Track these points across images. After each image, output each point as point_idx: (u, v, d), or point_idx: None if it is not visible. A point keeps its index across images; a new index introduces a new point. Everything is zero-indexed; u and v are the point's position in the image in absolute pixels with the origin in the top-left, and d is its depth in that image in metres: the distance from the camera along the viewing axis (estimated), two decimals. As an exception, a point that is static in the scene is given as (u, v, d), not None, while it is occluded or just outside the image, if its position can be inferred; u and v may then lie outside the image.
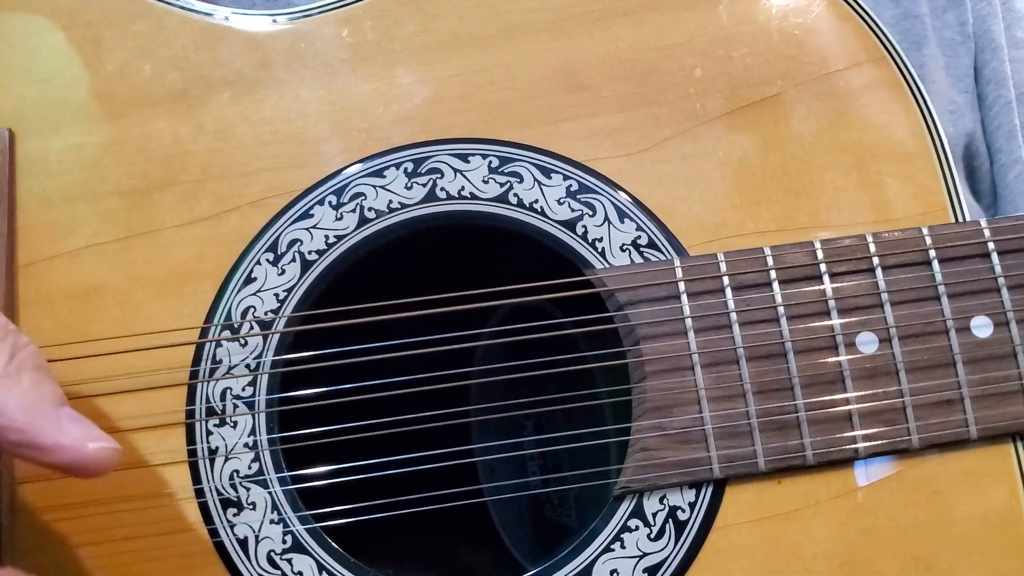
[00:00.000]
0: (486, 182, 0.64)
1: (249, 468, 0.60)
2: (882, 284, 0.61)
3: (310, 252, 0.63)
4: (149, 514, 0.58)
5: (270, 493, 0.60)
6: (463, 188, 0.64)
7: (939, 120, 0.65)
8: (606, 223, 0.63)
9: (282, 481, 0.60)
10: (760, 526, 0.59)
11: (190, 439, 0.60)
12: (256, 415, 0.60)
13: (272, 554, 0.59)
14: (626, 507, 0.60)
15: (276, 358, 0.61)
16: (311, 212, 0.63)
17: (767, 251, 0.62)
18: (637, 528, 0.59)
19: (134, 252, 0.62)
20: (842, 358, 0.60)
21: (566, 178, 0.64)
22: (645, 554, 0.59)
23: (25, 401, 0.47)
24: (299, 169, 0.64)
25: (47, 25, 0.65)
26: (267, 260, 0.62)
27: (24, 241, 0.62)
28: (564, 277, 0.62)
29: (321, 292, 0.62)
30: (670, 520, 0.59)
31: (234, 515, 0.59)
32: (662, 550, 0.59)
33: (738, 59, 0.66)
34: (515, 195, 0.64)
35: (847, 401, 0.60)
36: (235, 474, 0.60)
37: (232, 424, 0.60)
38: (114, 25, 0.66)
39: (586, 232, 0.63)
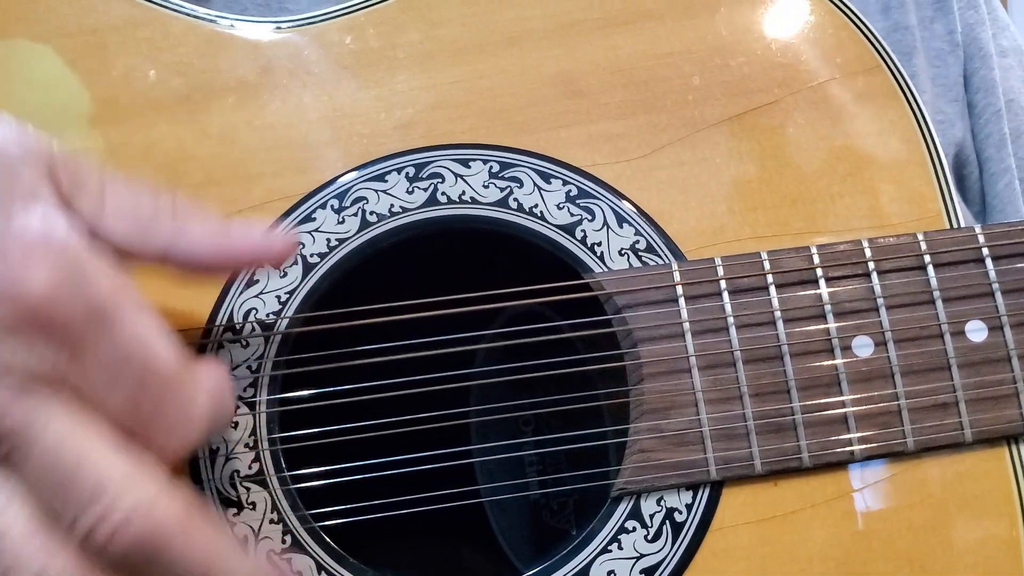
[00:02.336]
0: (486, 187, 0.65)
1: (249, 468, 0.60)
2: (878, 289, 0.62)
3: (312, 255, 0.63)
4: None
5: (270, 493, 0.60)
6: (464, 192, 0.64)
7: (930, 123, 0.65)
8: (605, 228, 0.64)
9: (282, 481, 0.60)
10: (757, 528, 0.60)
11: (191, 439, 0.60)
12: (257, 416, 0.61)
13: (271, 554, 0.59)
14: (623, 508, 0.60)
15: (277, 359, 0.62)
16: (313, 216, 0.64)
17: (764, 256, 0.62)
18: (634, 529, 0.60)
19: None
20: (838, 361, 0.61)
21: (565, 183, 0.65)
22: (642, 555, 0.60)
23: (205, 232, 0.53)
24: (301, 174, 0.65)
25: (51, 31, 0.66)
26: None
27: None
28: (563, 281, 0.63)
29: (322, 295, 0.63)
30: (667, 522, 0.60)
31: (234, 515, 0.60)
32: (659, 551, 0.60)
33: (736, 67, 0.67)
34: (515, 200, 0.64)
35: (843, 404, 0.60)
36: (235, 474, 0.60)
37: (233, 424, 0.61)
38: (118, 31, 0.67)
39: (585, 236, 0.64)
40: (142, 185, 0.52)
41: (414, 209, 0.64)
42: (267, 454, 0.60)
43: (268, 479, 0.60)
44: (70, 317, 0.45)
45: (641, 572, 0.59)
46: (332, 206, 0.64)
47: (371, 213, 0.64)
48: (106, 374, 0.46)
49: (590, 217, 0.64)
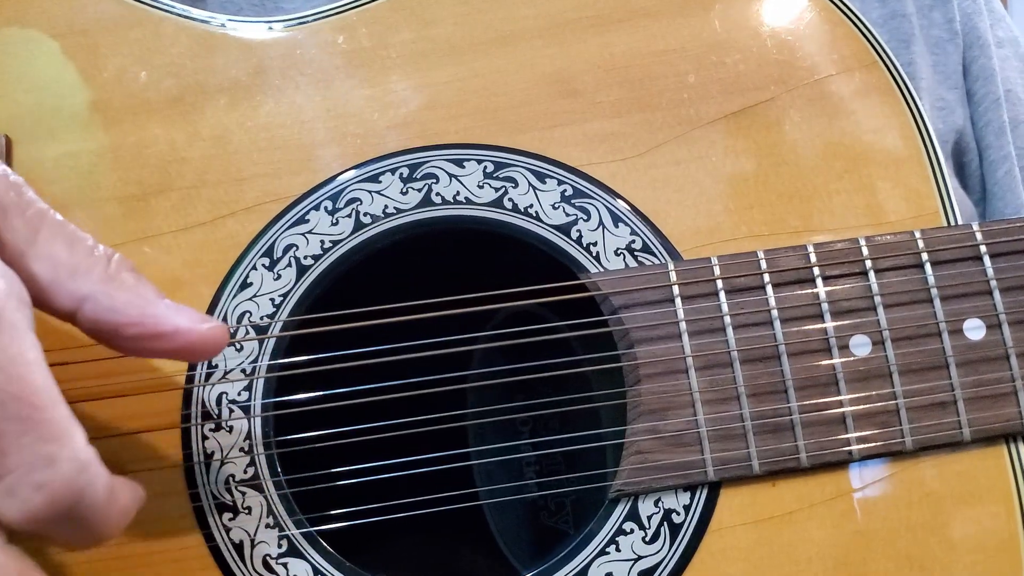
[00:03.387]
0: (481, 187, 0.64)
1: (245, 472, 0.60)
2: (875, 287, 0.61)
3: (306, 257, 0.63)
4: (144, 518, 0.58)
5: (266, 497, 0.60)
6: (458, 193, 0.64)
7: (928, 117, 0.65)
8: (600, 227, 0.64)
9: (278, 485, 0.60)
10: (755, 528, 0.60)
11: (186, 443, 0.60)
12: (252, 419, 0.61)
13: (267, 558, 0.59)
14: (621, 510, 0.60)
15: (272, 362, 0.61)
16: (307, 217, 0.64)
17: (760, 255, 0.62)
18: (632, 531, 0.60)
19: (130, 258, 0.62)
20: (835, 361, 0.61)
21: (560, 183, 0.64)
22: (640, 557, 0.59)
23: (134, 296, 0.49)
24: (295, 175, 0.64)
25: (43, 33, 0.66)
26: (263, 265, 0.63)
27: (20, 247, 0.62)
28: (559, 281, 0.62)
29: (317, 297, 0.63)
30: (665, 523, 0.60)
31: (229, 519, 0.59)
32: (657, 553, 0.59)
33: (731, 65, 0.66)
34: (510, 200, 0.64)
35: (841, 404, 0.60)
36: (231, 478, 0.60)
37: (228, 428, 0.60)
38: (110, 32, 0.66)
39: (581, 236, 0.63)
40: (84, 236, 0.50)
41: (408, 210, 0.64)
42: (262, 458, 0.60)
43: (264, 483, 0.60)
44: None
45: (639, 574, 0.59)
46: (326, 207, 0.64)
47: (365, 214, 0.64)
48: None
49: (586, 217, 0.64)
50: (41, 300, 0.49)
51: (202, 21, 0.67)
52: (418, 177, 0.64)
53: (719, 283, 0.61)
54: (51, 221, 0.49)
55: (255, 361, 0.61)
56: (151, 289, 0.51)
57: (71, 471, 0.43)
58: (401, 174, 0.64)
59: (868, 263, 0.62)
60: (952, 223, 0.64)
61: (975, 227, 0.62)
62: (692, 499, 0.60)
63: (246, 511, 0.59)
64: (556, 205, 0.64)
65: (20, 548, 0.46)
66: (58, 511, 0.44)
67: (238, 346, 0.61)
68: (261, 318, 0.62)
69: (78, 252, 0.49)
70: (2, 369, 0.43)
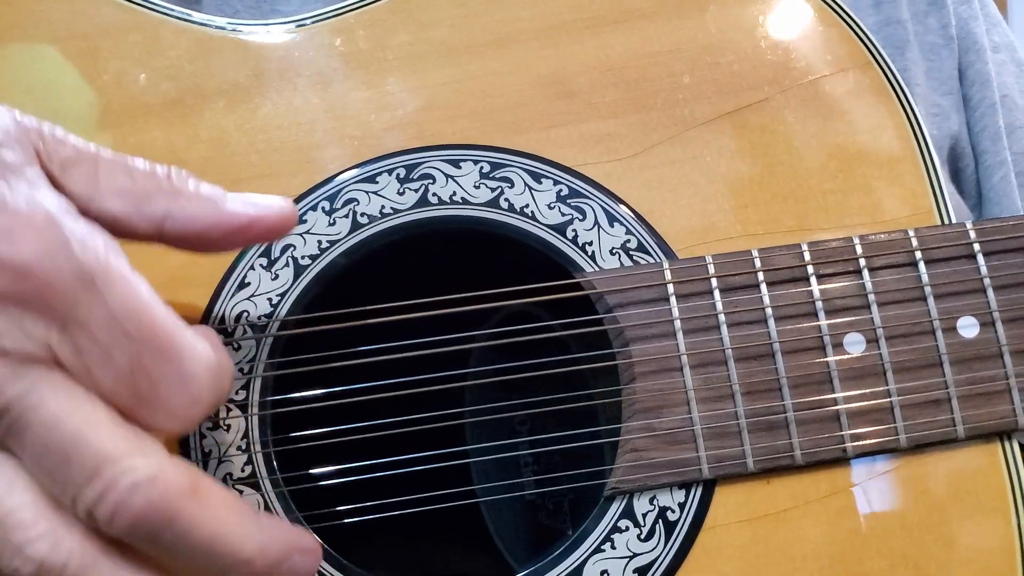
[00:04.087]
0: (477, 187, 0.65)
1: (242, 471, 0.60)
2: (869, 285, 0.62)
3: (303, 257, 0.63)
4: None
5: (263, 496, 0.60)
6: (455, 193, 0.65)
7: (923, 123, 0.65)
8: (596, 227, 0.64)
9: (275, 483, 0.60)
10: (750, 526, 0.60)
11: (183, 442, 0.60)
12: (249, 418, 0.61)
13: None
14: (616, 508, 0.60)
15: (269, 361, 0.62)
16: (304, 218, 0.64)
17: (755, 253, 0.62)
18: (627, 528, 0.60)
19: (130, 258, 0.62)
20: (830, 359, 0.61)
21: (556, 183, 0.65)
22: (635, 554, 0.59)
23: (204, 202, 0.52)
24: (292, 176, 0.65)
25: (43, 36, 0.66)
26: (260, 265, 0.63)
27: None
28: (555, 280, 0.63)
29: (314, 296, 0.63)
30: (660, 520, 0.60)
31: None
32: (652, 550, 0.59)
33: (726, 66, 0.67)
34: (506, 200, 0.64)
35: (835, 401, 0.60)
36: (228, 477, 0.60)
37: (225, 427, 0.61)
38: (109, 36, 0.67)
39: (576, 236, 0.64)
40: (138, 161, 0.52)
41: (405, 210, 0.64)
42: (259, 456, 0.60)
43: (260, 481, 0.60)
44: (58, 286, 0.44)
45: (634, 571, 0.59)
46: (323, 208, 0.64)
47: (362, 215, 0.64)
48: (99, 348, 0.45)
49: (581, 216, 0.64)
50: (123, 232, 0.50)
51: (201, 24, 0.68)
52: (415, 178, 0.65)
53: (714, 282, 0.62)
54: (104, 157, 0.51)
55: (252, 360, 0.62)
56: (215, 189, 0.53)
57: (209, 376, 0.48)
58: (398, 175, 0.65)
59: (862, 261, 0.62)
60: (946, 222, 0.64)
61: (969, 226, 0.63)
62: (687, 497, 0.60)
63: (243, 509, 0.60)
64: (552, 205, 0.64)
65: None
66: (212, 406, 0.49)
67: (235, 345, 0.62)
68: (259, 318, 0.62)
69: (139, 177, 0.51)
70: (130, 316, 0.46)
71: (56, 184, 0.49)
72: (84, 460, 0.44)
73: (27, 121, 0.49)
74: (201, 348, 0.48)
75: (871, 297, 0.61)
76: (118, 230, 0.50)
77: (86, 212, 0.49)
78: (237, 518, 0.47)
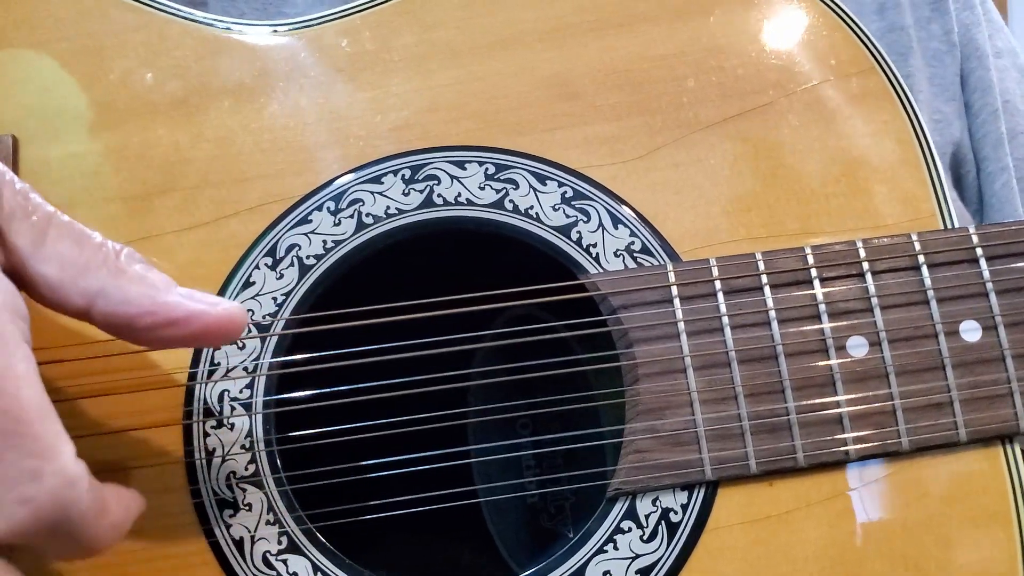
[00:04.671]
0: (482, 188, 0.65)
1: (246, 469, 0.60)
2: (872, 289, 0.62)
3: (308, 257, 0.64)
4: (145, 514, 0.59)
5: (266, 494, 0.60)
6: (460, 194, 0.65)
7: (926, 128, 0.66)
8: (600, 229, 0.64)
9: (278, 482, 0.60)
10: (752, 528, 0.60)
11: (187, 440, 0.60)
12: (253, 417, 0.61)
13: (268, 555, 0.59)
14: (619, 509, 0.60)
15: (273, 360, 0.62)
16: (309, 218, 0.64)
17: (759, 256, 0.62)
18: (630, 530, 0.60)
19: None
20: (832, 362, 0.61)
21: (561, 185, 0.65)
22: (638, 555, 0.60)
23: (146, 287, 0.49)
24: (297, 176, 0.65)
25: (49, 34, 0.66)
26: (266, 265, 0.63)
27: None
28: (559, 282, 0.63)
29: (318, 296, 0.63)
30: (663, 522, 0.60)
31: (230, 516, 0.60)
32: (655, 551, 0.60)
33: (730, 69, 0.67)
34: (511, 201, 0.65)
35: (837, 404, 0.60)
36: (232, 475, 0.60)
37: (229, 426, 0.61)
38: (116, 35, 0.67)
39: (581, 238, 0.64)
40: (91, 233, 0.51)
41: (410, 211, 0.64)
42: (263, 455, 0.61)
43: (264, 480, 0.60)
44: None
45: (637, 572, 0.59)
46: (328, 208, 0.64)
47: (367, 215, 0.64)
48: None
49: (585, 218, 0.64)
50: (54, 300, 0.49)
51: (207, 24, 0.68)
52: (420, 178, 0.65)
53: (717, 284, 0.62)
54: (57, 222, 0.50)
55: (257, 359, 0.62)
56: (162, 278, 0.51)
57: (56, 486, 0.43)
58: (403, 175, 0.65)
59: (865, 265, 0.62)
60: (949, 226, 0.64)
61: (971, 230, 0.63)
62: (690, 498, 0.60)
63: (247, 508, 0.60)
64: (556, 207, 0.65)
65: (7, 561, 0.46)
66: (44, 525, 0.44)
67: (240, 344, 0.62)
68: (263, 317, 0.62)
69: (86, 249, 0.50)
70: None
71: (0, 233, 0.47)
72: None
73: None
74: (64, 455, 0.44)
75: (874, 300, 0.62)
76: (49, 297, 0.49)
77: (22, 269, 0.48)
78: None
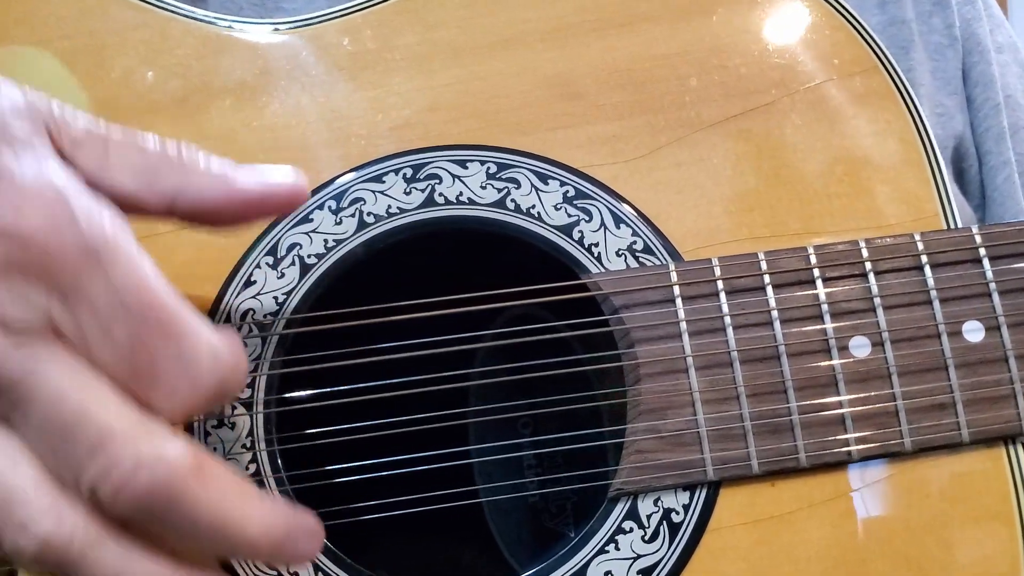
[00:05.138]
0: (484, 188, 0.65)
1: (247, 469, 0.60)
2: (875, 289, 0.62)
3: (309, 256, 0.63)
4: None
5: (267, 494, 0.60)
6: (461, 193, 0.65)
7: (928, 123, 0.65)
8: (602, 228, 0.64)
9: (279, 482, 0.60)
10: (754, 528, 0.60)
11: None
12: (254, 416, 0.61)
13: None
14: (621, 509, 0.60)
15: (275, 360, 0.62)
16: (311, 217, 0.64)
17: (761, 256, 0.62)
18: (631, 530, 0.60)
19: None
20: (835, 362, 0.61)
21: (563, 184, 0.65)
22: (639, 556, 0.59)
23: (214, 178, 0.52)
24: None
25: (50, 33, 0.66)
26: (267, 263, 0.63)
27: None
28: (561, 281, 0.63)
29: (320, 295, 0.63)
30: (664, 522, 0.60)
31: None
32: (656, 552, 0.59)
33: (732, 68, 0.67)
34: (512, 200, 0.64)
35: (840, 404, 0.60)
36: (233, 475, 0.60)
37: (230, 425, 0.61)
38: (117, 33, 0.67)
39: (582, 237, 0.64)
40: (149, 138, 0.52)
41: (411, 210, 0.64)
42: (264, 455, 0.60)
43: (265, 479, 0.60)
44: (62, 258, 0.44)
45: (638, 573, 0.59)
46: (330, 207, 0.64)
47: (368, 214, 0.64)
48: (99, 322, 0.45)
49: (587, 218, 0.64)
50: (135, 208, 0.50)
51: (208, 22, 0.68)
52: (421, 177, 0.65)
53: (720, 284, 0.62)
54: (115, 136, 0.51)
55: (258, 358, 0.62)
56: (225, 163, 0.53)
57: (212, 361, 0.47)
58: (404, 174, 0.65)
59: (868, 265, 0.62)
60: (952, 226, 0.64)
61: (975, 230, 0.63)
62: (691, 498, 0.60)
63: (247, 507, 0.60)
64: (558, 206, 0.64)
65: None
66: (214, 394, 0.47)
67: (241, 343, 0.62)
68: (264, 316, 0.62)
69: (150, 154, 0.51)
70: (132, 292, 0.45)
71: (66, 160, 0.48)
72: (88, 436, 0.44)
73: (37, 99, 0.49)
74: (207, 334, 0.47)
75: (877, 301, 0.61)
76: (129, 207, 0.50)
77: (96, 188, 0.49)
78: (241, 498, 0.46)
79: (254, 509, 0.47)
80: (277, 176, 0.53)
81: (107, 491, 0.43)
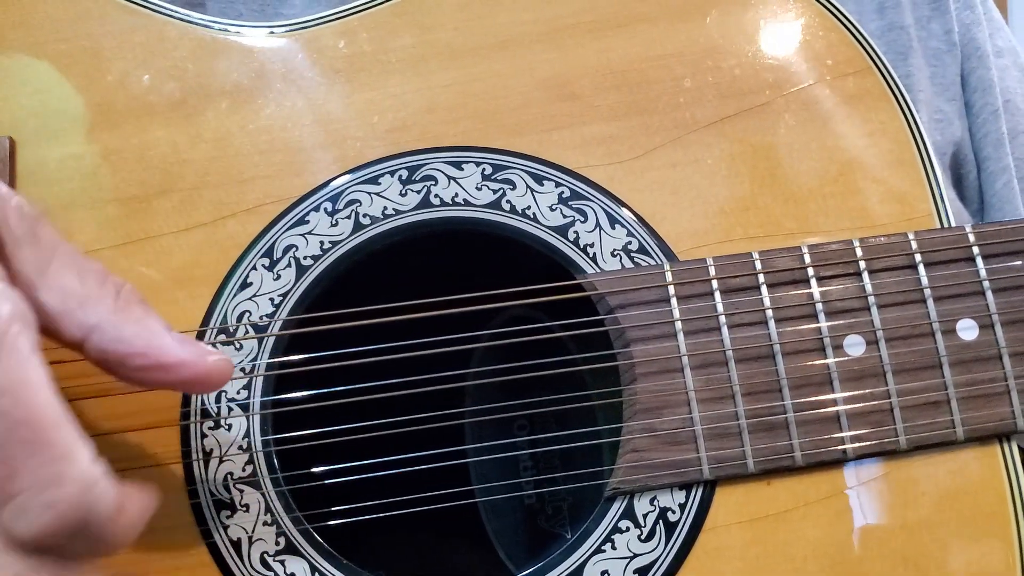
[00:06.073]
0: (479, 189, 0.65)
1: (243, 470, 0.60)
2: (869, 288, 0.62)
3: (305, 257, 0.64)
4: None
5: (263, 495, 0.60)
6: (457, 195, 0.65)
7: (926, 129, 0.66)
8: (597, 229, 0.64)
9: (275, 483, 0.60)
10: (750, 527, 0.60)
11: (184, 441, 0.60)
12: (251, 417, 0.61)
13: (265, 555, 0.59)
14: (617, 508, 0.60)
15: (271, 361, 0.62)
16: (307, 218, 0.64)
17: (755, 256, 0.62)
18: (628, 529, 0.60)
19: (132, 258, 0.63)
20: (830, 360, 0.61)
21: (558, 185, 0.65)
22: (636, 555, 0.60)
23: (141, 328, 0.50)
24: (295, 177, 0.65)
25: (47, 36, 0.67)
26: (263, 265, 0.63)
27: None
28: (556, 282, 0.63)
29: (316, 297, 0.63)
30: (660, 521, 0.60)
31: (228, 517, 0.60)
32: (652, 551, 0.60)
33: (727, 69, 0.67)
34: (508, 201, 0.65)
35: (835, 402, 0.60)
36: (229, 476, 0.60)
37: (227, 427, 0.61)
38: (113, 36, 0.67)
39: (578, 238, 0.64)
40: (95, 266, 0.51)
41: (407, 211, 0.65)
42: (260, 456, 0.61)
43: (261, 481, 0.60)
44: None
45: (635, 572, 0.59)
46: (325, 209, 0.64)
47: (364, 216, 0.64)
48: None
49: (582, 218, 0.64)
50: (50, 329, 0.49)
51: (205, 25, 0.68)
52: (417, 179, 0.65)
53: (714, 283, 0.62)
54: (63, 252, 0.50)
55: (254, 360, 0.62)
56: (159, 321, 0.51)
57: (78, 489, 0.44)
58: (400, 176, 0.65)
59: (862, 264, 0.62)
60: (945, 225, 0.64)
61: (968, 229, 0.63)
62: (687, 497, 0.60)
63: (244, 509, 0.60)
64: (553, 207, 0.65)
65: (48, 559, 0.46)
66: (68, 527, 0.44)
67: (237, 345, 0.62)
68: (260, 317, 0.62)
69: (88, 282, 0.50)
70: (7, 392, 0.43)
71: (2, 256, 0.48)
72: None
73: (2, 188, 0.48)
74: (82, 460, 0.44)
75: (871, 299, 0.62)
76: (46, 326, 0.49)
77: (24, 295, 0.47)
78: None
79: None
80: (204, 351, 0.51)
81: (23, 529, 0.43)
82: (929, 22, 0.87)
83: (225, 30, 0.68)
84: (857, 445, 0.60)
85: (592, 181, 0.65)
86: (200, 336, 0.62)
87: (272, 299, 0.63)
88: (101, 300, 0.50)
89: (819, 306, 0.62)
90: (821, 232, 0.64)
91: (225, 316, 0.62)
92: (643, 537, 0.60)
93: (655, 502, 0.60)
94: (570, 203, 0.65)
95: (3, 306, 0.44)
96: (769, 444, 0.60)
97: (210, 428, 0.61)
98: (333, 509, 0.61)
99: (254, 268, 0.63)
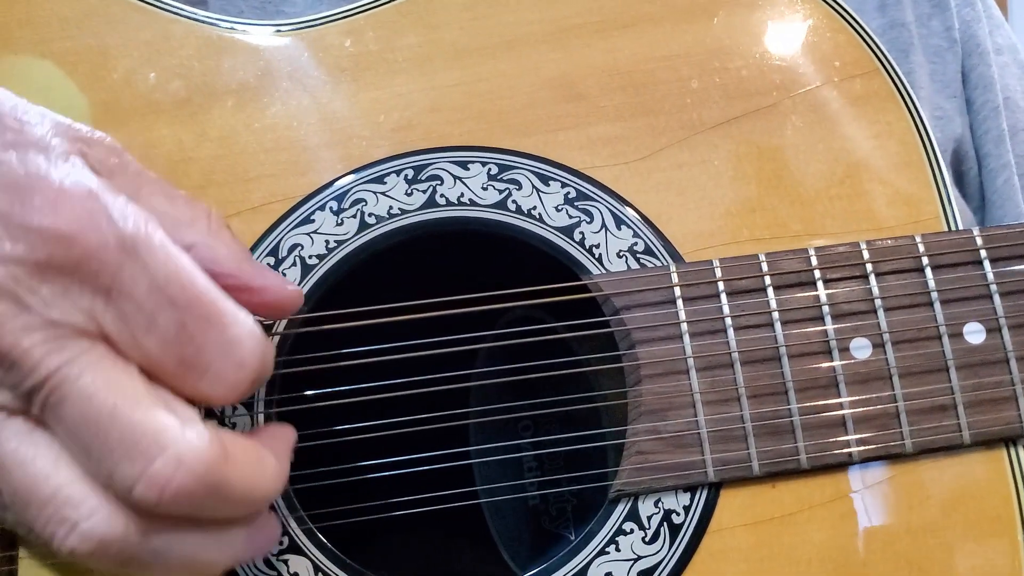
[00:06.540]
0: (485, 189, 0.65)
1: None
2: (875, 290, 0.62)
3: (311, 256, 0.64)
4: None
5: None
6: (463, 195, 0.65)
7: (929, 128, 0.65)
8: (603, 230, 0.64)
9: (280, 482, 0.60)
10: (755, 530, 0.60)
11: (189, 439, 0.60)
12: (255, 416, 0.61)
13: (269, 555, 0.59)
14: (621, 510, 0.60)
15: (276, 360, 0.62)
16: (312, 217, 0.64)
17: (762, 257, 0.62)
18: (632, 531, 0.60)
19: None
20: (836, 363, 0.61)
21: (564, 185, 0.65)
22: (640, 557, 0.59)
23: (232, 251, 0.52)
24: (301, 176, 0.65)
25: (53, 33, 0.66)
26: (268, 264, 0.63)
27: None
28: (562, 282, 0.63)
29: (321, 296, 0.63)
30: (665, 523, 0.60)
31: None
32: (657, 553, 0.59)
33: (734, 70, 0.67)
34: (514, 202, 0.65)
35: (841, 406, 0.60)
36: (233, 475, 0.60)
37: (231, 425, 0.61)
38: (119, 34, 0.67)
39: (583, 238, 0.64)
40: (179, 193, 0.53)
41: (413, 211, 0.64)
42: (265, 455, 0.60)
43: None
44: (102, 254, 0.45)
45: (639, 574, 0.59)
46: (331, 208, 0.64)
47: (370, 215, 0.64)
48: (143, 314, 0.46)
49: (588, 219, 0.64)
50: None
51: (210, 23, 0.68)
52: (423, 179, 0.65)
53: (720, 285, 0.62)
54: (148, 179, 0.52)
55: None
56: (244, 247, 0.54)
57: (256, 342, 0.49)
58: (406, 175, 0.65)
59: (869, 267, 0.62)
60: (953, 228, 0.64)
61: (975, 232, 0.63)
62: (692, 500, 0.60)
63: (248, 508, 0.60)
64: (559, 207, 0.64)
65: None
66: (257, 376, 0.49)
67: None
68: (265, 316, 0.62)
69: (178, 205, 0.52)
70: (171, 281, 0.47)
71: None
72: (121, 436, 0.44)
73: (78, 126, 0.51)
74: (244, 316, 0.49)
75: (878, 302, 0.61)
76: None
77: None
78: (260, 466, 0.49)
79: (269, 469, 0.49)
80: (280, 281, 0.55)
81: (148, 494, 0.44)
82: (930, 19, 0.87)
83: (231, 28, 0.68)
84: (863, 448, 0.60)
85: (598, 182, 0.65)
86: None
87: (277, 298, 0.63)
88: (195, 221, 0.52)
89: (825, 309, 0.61)
90: (828, 234, 0.64)
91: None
92: (647, 539, 0.60)
93: (659, 504, 0.60)
94: (576, 204, 0.64)
95: (132, 215, 0.47)
96: (774, 447, 0.60)
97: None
98: (337, 509, 0.61)
99: (259, 267, 0.63)
